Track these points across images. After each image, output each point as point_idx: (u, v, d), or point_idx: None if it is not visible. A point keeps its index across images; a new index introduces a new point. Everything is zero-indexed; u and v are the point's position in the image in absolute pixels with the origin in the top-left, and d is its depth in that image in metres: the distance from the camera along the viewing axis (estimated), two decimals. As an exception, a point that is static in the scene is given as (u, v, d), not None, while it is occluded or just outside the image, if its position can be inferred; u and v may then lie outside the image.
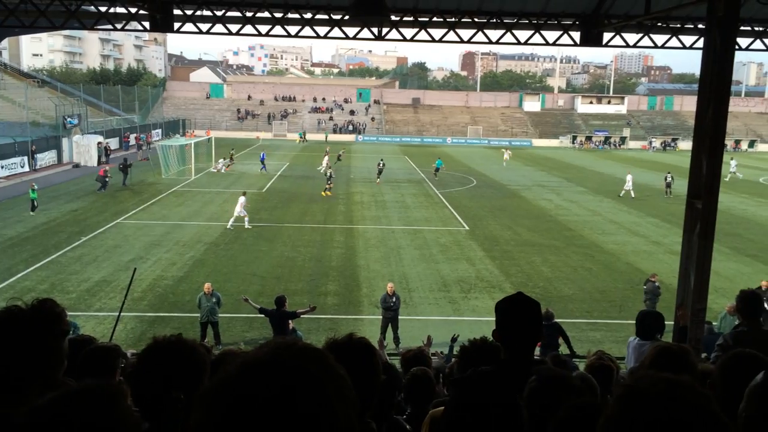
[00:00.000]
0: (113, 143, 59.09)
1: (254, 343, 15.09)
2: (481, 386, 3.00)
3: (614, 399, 1.36)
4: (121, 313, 11.17)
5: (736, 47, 12.14)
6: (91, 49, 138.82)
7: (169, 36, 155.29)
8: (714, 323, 14.41)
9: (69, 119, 53.36)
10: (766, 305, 16.40)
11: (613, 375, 5.59)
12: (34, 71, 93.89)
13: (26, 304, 2.33)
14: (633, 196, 39.62)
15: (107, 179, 37.10)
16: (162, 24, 15.39)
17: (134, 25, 16.69)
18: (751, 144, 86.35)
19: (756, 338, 5.17)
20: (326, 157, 48.37)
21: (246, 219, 28.44)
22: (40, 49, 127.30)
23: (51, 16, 15.97)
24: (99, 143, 52.59)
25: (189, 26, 15.99)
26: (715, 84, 10.81)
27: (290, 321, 14.18)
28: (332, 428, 1.05)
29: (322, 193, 38.03)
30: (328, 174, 39.11)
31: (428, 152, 69.76)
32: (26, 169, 44.53)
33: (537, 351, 11.80)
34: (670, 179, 40.34)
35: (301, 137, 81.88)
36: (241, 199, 28.95)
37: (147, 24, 15.95)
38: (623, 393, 1.35)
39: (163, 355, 2.38)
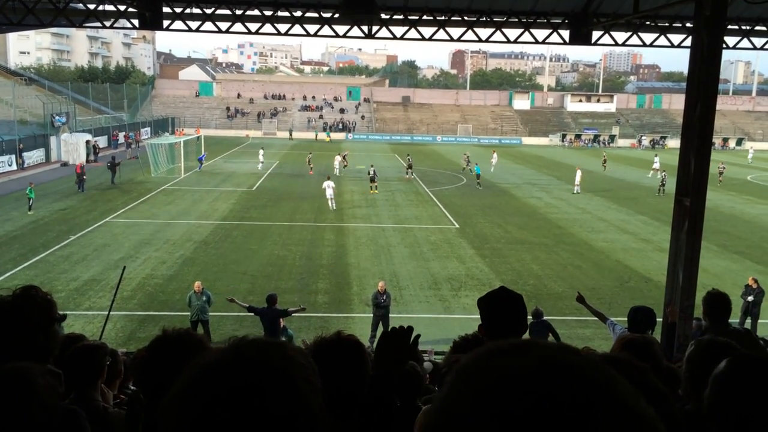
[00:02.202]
0: (102, 141, 58.81)
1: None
2: None
3: (446, 385, 1.37)
4: (111, 312, 11.13)
5: (724, 46, 12.25)
6: (79, 46, 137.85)
7: (158, 34, 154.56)
8: (703, 321, 14.52)
9: (57, 117, 52.99)
10: (749, 298, 16.59)
11: None
12: (22, 69, 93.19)
13: (13, 291, 2.42)
14: (578, 191, 40.23)
15: (84, 177, 36.73)
16: (151, 22, 15.33)
17: (123, 22, 16.62)
18: (739, 142, 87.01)
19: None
20: (338, 158, 48.28)
21: (332, 201, 32.73)
22: (28, 47, 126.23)
23: (39, 14, 15.87)
24: (87, 141, 52.30)
25: (178, 24, 15.96)
26: (702, 82, 10.90)
27: (281, 319, 14.16)
28: (306, 417, 1.02)
29: (372, 191, 38.30)
30: (371, 173, 39.28)
31: (418, 150, 69.81)
32: (14, 167, 44.21)
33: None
34: (665, 178, 40.32)
35: (328, 136, 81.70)
36: (330, 183, 33.34)
37: (136, 22, 15.89)
38: (457, 378, 1.35)
39: (172, 347, 2.41)
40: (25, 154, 46.01)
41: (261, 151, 52.30)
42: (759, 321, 16.66)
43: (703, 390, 2.57)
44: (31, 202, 30.02)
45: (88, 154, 50.93)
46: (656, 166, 50.25)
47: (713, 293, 5.94)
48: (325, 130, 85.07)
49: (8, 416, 1.63)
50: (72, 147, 50.54)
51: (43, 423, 1.69)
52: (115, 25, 16.91)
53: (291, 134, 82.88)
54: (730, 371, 1.96)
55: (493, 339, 3.18)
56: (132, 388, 5.39)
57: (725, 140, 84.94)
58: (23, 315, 2.36)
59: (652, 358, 3.06)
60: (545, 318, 13.80)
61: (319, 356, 2.36)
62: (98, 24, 16.72)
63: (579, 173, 41.47)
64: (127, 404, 3.70)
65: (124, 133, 64.58)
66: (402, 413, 4.94)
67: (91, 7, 16.24)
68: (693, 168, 11.02)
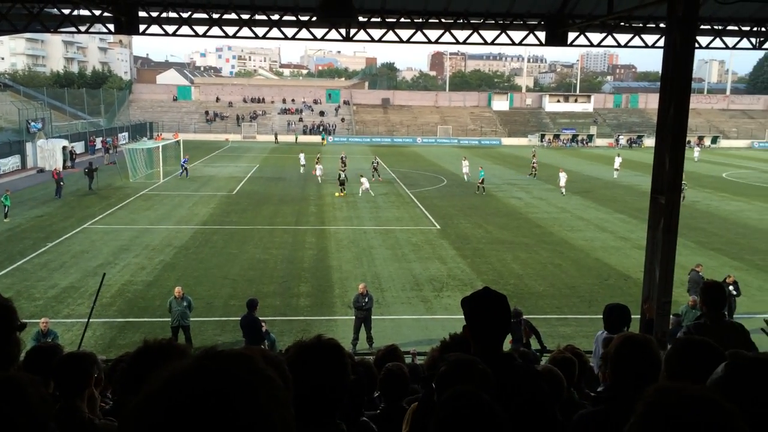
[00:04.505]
0: (79, 147, 58.08)
1: (227, 347, 14.97)
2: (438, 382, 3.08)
3: (638, 416, 1.32)
4: (90, 320, 11.01)
5: (696, 46, 12.45)
6: (54, 51, 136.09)
7: (135, 38, 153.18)
8: (686, 312, 14.78)
9: (32, 123, 52.30)
10: (732, 289, 16.88)
11: (574, 367, 5.74)
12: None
13: None
14: (563, 193, 39.80)
15: (61, 183, 36.28)
16: (127, 26, 15.22)
17: (99, 27, 16.46)
18: (714, 140, 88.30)
19: (717, 330, 5.30)
20: (319, 166, 47.38)
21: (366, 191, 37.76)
22: (2, 53, 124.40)
23: (12, 19, 15.67)
24: (64, 147, 51.67)
25: (154, 28, 15.83)
26: (675, 82, 11.07)
27: (263, 323, 14.11)
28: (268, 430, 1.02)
29: (337, 194, 38.39)
30: (342, 176, 39.68)
31: (398, 152, 69.94)
32: (-11, 174, 43.58)
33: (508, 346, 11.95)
34: (683, 186, 36.93)
35: (323, 138, 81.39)
36: (365, 179, 38.57)
37: (111, 26, 15.77)
38: (647, 411, 1.31)
39: (154, 359, 2.38)
40: (0, 161, 45.34)
41: (302, 155, 51.44)
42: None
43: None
44: (6, 209, 29.60)
45: (64, 160, 50.30)
46: (617, 166, 50.49)
47: (710, 283, 6.18)
48: (321, 132, 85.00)
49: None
50: (48, 153, 49.88)
51: None
52: (91, 30, 16.75)
53: (276, 137, 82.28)
54: (730, 375, 2.00)
55: (477, 339, 3.22)
56: (109, 396, 5.35)
57: (701, 138, 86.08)
58: None
59: (652, 358, 3.12)
60: (525, 317, 13.89)
61: (299, 360, 2.37)
62: (73, 29, 16.56)
63: (564, 175, 40.63)
64: (114, 414, 3.67)
65: (101, 138, 63.88)
66: (387, 414, 4.97)
67: (66, 11, 16.06)
68: (668, 166, 11.18)
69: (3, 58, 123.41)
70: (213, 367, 1.05)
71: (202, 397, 0.99)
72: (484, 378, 2.75)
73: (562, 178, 40.44)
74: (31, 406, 1.67)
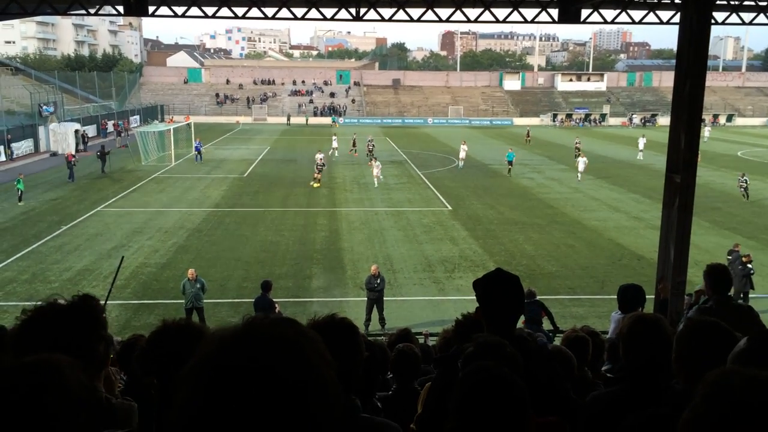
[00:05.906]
0: (91, 130, 58.32)
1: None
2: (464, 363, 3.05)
3: (700, 397, 1.28)
4: (107, 302, 11.10)
5: (712, 21, 12.23)
6: (65, 35, 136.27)
7: (145, 20, 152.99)
8: (696, 296, 14.64)
9: (45, 107, 52.47)
10: (749, 266, 16.69)
11: (588, 346, 5.72)
12: (7, 59, 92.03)
13: (66, 301, 2.36)
14: (579, 179, 37.83)
15: (74, 166, 36.44)
16: (136, 8, 15.14)
17: (108, 9, 16.40)
18: (729, 118, 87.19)
19: (721, 314, 5.21)
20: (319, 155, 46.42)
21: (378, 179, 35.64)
22: (13, 36, 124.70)
23: (22, 2, 15.64)
24: (76, 131, 51.88)
25: (164, 10, 15.74)
26: (691, 59, 10.89)
27: (276, 304, 14.18)
28: (318, 387, 1.07)
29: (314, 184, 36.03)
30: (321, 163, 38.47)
31: (409, 133, 69.68)
32: (2, 158, 43.84)
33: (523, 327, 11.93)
34: (744, 183, 32.54)
35: (334, 122, 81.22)
36: (378, 163, 36.84)
37: (121, 8, 15.70)
38: (709, 392, 1.27)
39: (173, 338, 2.40)
40: (13, 145, 45.61)
41: (334, 137, 50.08)
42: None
43: (692, 369, 2.60)
44: (20, 193, 29.83)
45: (77, 144, 50.53)
46: (641, 147, 49.01)
47: (714, 266, 5.96)
48: (331, 115, 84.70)
49: (38, 412, 1.60)
50: (61, 136, 50.11)
51: (72, 420, 1.66)
52: (100, 12, 16.69)
53: (289, 119, 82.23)
54: (752, 348, 1.98)
55: (489, 321, 3.19)
56: (122, 377, 5.38)
57: (716, 116, 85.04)
58: (66, 327, 2.32)
59: (663, 337, 3.08)
60: (538, 298, 13.86)
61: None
62: (83, 11, 16.49)
63: (584, 160, 38.84)
64: (143, 390, 3.69)
65: (113, 121, 64.07)
66: (399, 394, 4.98)
67: (75, -6, 16.01)
68: (683, 144, 11.04)
69: (14, 42, 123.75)
70: (262, 330, 1.11)
71: (254, 358, 1.05)
72: (512, 361, 2.72)
73: (581, 163, 38.61)
74: (70, 390, 1.64)
